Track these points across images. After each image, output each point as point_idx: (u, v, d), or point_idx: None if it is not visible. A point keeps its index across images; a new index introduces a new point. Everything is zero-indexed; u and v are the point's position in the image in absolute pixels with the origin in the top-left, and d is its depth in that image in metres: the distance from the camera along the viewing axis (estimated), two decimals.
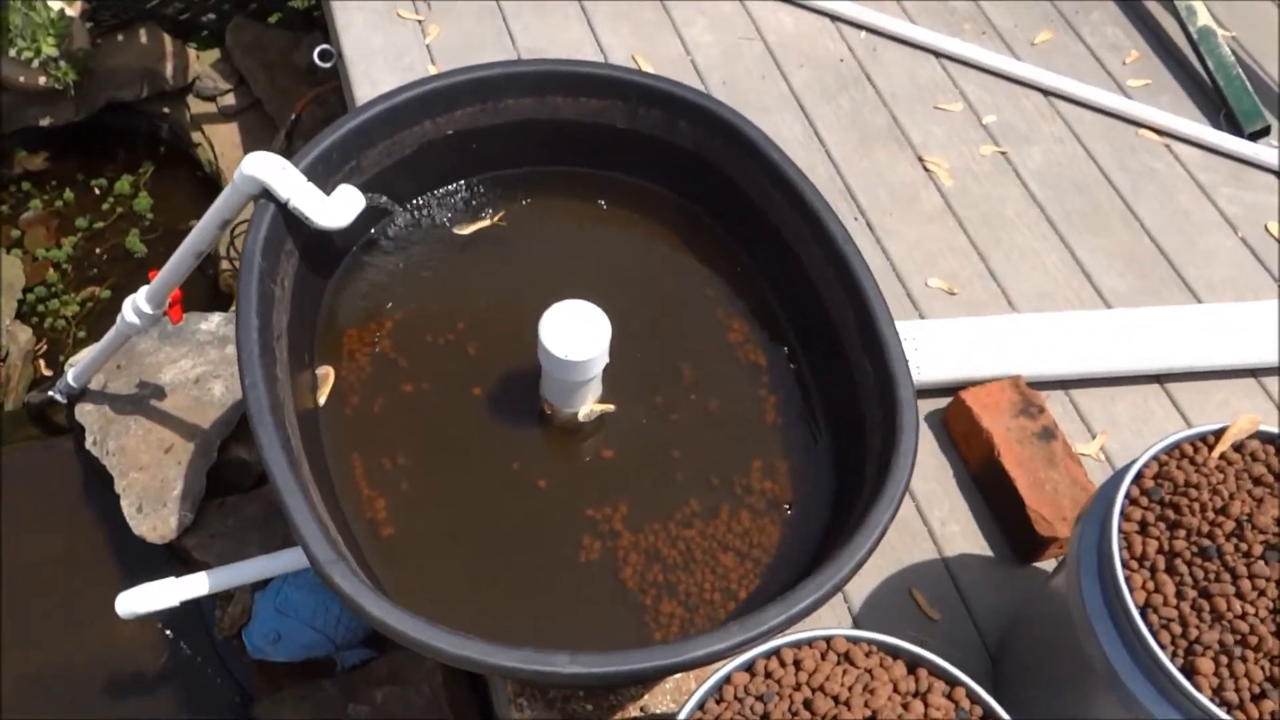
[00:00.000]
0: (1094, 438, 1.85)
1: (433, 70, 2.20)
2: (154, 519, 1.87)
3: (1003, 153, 2.24)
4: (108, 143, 3.36)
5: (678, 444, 1.46)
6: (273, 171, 1.36)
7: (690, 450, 1.46)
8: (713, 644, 1.08)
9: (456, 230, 1.59)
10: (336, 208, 1.40)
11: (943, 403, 1.84)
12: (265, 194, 1.37)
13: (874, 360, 1.35)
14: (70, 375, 2.03)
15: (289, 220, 1.39)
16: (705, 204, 1.64)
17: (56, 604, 1.92)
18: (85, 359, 1.97)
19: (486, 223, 1.60)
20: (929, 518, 1.73)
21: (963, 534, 1.72)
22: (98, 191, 3.27)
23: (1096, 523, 1.28)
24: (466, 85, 1.53)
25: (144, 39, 3.27)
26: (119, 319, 1.75)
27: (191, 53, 3.33)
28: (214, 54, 3.38)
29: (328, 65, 2.30)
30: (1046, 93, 2.35)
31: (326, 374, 1.46)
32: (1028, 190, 2.17)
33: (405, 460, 1.42)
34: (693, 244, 1.64)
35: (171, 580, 1.54)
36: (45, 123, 3.23)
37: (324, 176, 1.45)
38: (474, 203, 1.64)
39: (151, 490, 1.90)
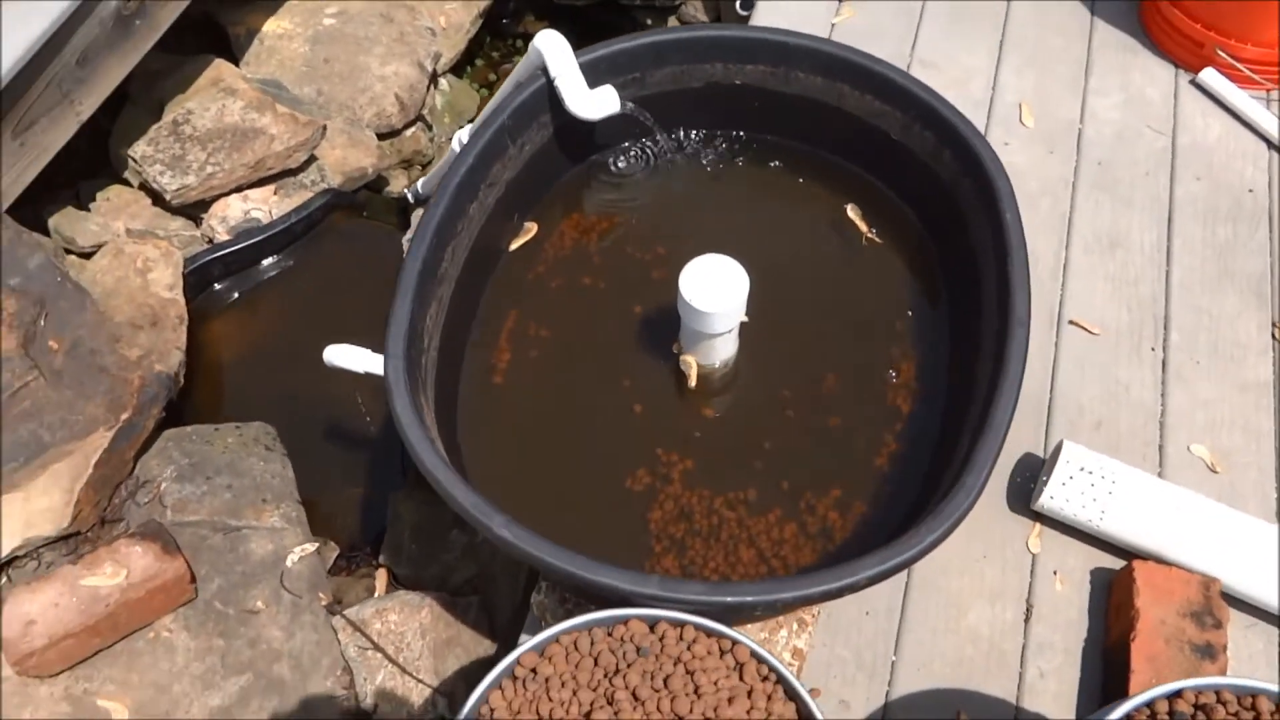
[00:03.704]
0: None
1: None
2: None
3: None
4: (595, 30, 3.78)
5: (776, 437, 1.46)
6: (552, 49, 1.53)
7: (783, 448, 1.45)
8: (624, 581, 1.11)
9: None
10: (592, 100, 1.54)
11: (1118, 564, 1.62)
12: (542, 68, 1.55)
13: (973, 433, 1.24)
14: (419, 183, 2.39)
15: (554, 98, 1.56)
16: (940, 243, 1.58)
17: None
18: (430, 172, 2.32)
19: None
20: (1028, 662, 1.56)
21: (1054, 696, 1.53)
22: None
23: None
24: (764, 44, 1.59)
25: None
26: (449, 148, 2.05)
27: None
28: None
29: (746, 14, 2.44)
30: None
31: (529, 229, 1.62)
32: None
33: (548, 334, 1.56)
34: (914, 274, 1.59)
35: (366, 351, 1.81)
36: None
37: (607, 75, 1.60)
38: (737, 155, 1.70)
39: None
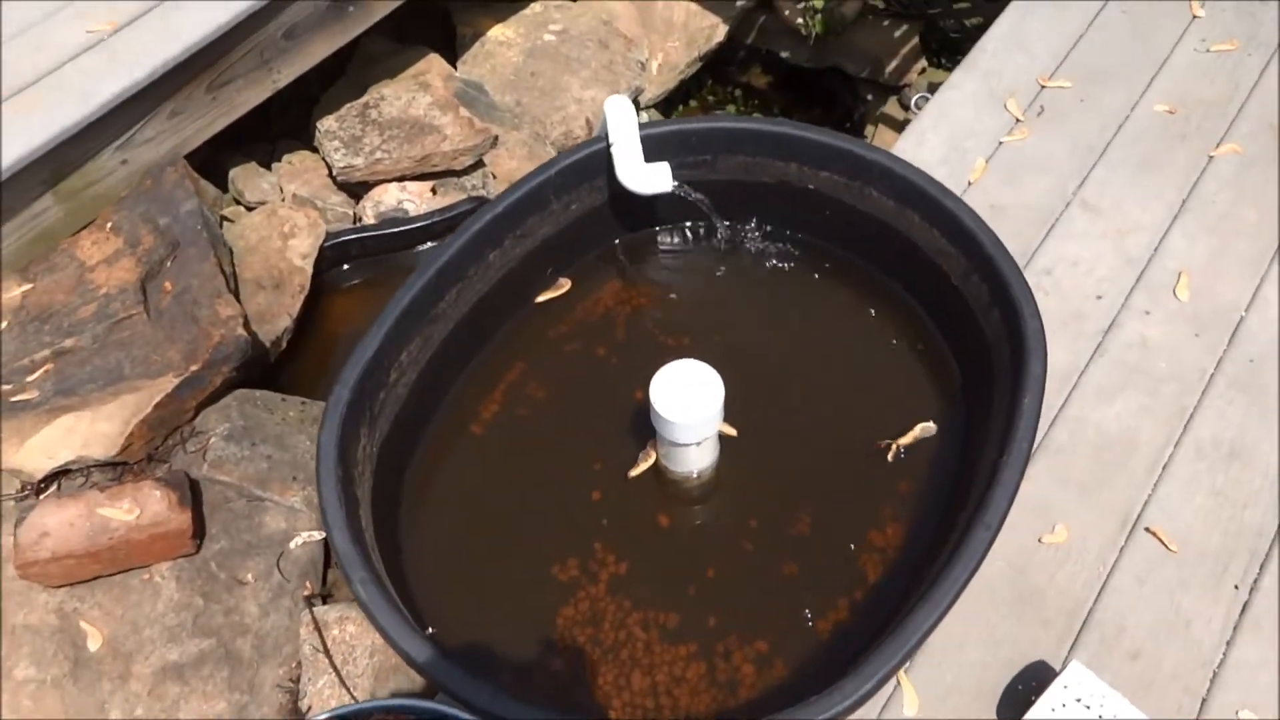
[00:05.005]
0: None
1: (978, 166, 2.09)
2: None
3: None
4: (814, 96, 3.70)
5: (723, 567, 1.36)
6: (617, 115, 1.49)
7: (725, 581, 1.35)
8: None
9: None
10: (643, 175, 1.49)
11: None
12: (605, 132, 1.52)
13: None
14: None
15: (610, 164, 1.52)
16: (970, 412, 1.42)
17: None
18: None
19: None
20: None
21: None
22: None
23: None
24: (840, 153, 1.49)
25: (895, 34, 3.50)
26: None
27: (920, 64, 3.48)
28: (941, 74, 3.49)
29: (917, 111, 2.31)
30: None
31: (562, 285, 1.60)
32: None
33: (544, 397, 1.52)
34: (939, 439, 1.43)
35: None
36: (784, 55, 3.67)
37: (674, 152, 1.54)
38: (796, 260, 1.60)
39: None
